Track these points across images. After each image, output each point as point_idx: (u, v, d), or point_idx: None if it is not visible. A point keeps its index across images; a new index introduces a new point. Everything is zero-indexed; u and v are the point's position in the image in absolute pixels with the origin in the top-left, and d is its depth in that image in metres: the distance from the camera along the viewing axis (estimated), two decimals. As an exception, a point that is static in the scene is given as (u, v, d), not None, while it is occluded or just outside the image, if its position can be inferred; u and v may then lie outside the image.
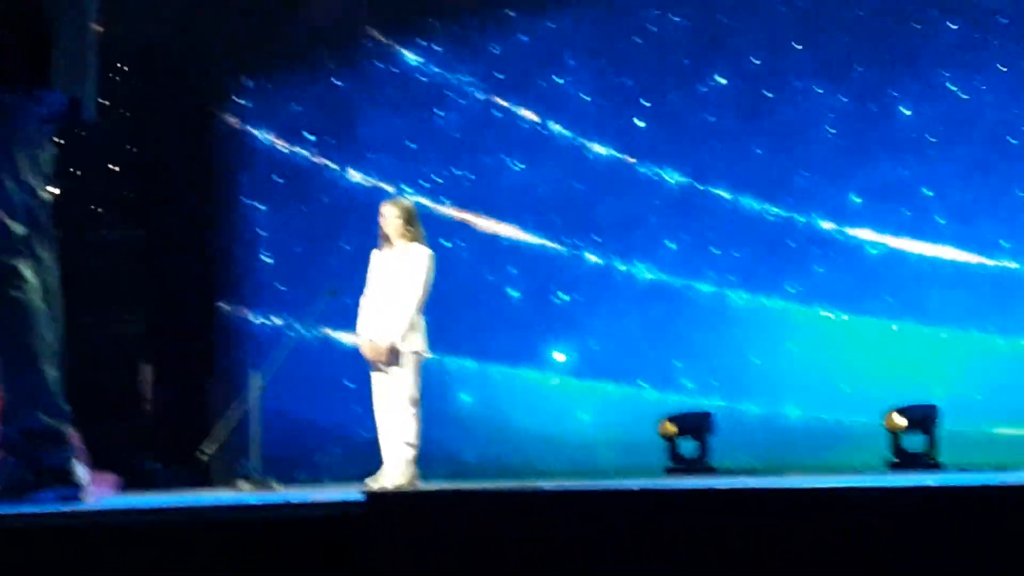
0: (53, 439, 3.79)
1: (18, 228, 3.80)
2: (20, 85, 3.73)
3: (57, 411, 3.82)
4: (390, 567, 2.37)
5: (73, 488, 3.76)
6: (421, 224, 8.67)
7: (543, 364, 12.38)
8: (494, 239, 12.67)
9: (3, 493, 3.67)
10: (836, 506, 2.25)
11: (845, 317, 10.95)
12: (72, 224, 3.76)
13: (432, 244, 8.71)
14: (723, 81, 11.66)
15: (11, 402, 3.81)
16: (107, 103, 12.44)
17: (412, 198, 12.09)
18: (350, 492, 2.82)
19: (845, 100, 11.04)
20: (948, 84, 10.66)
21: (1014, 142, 10.35)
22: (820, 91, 11.15)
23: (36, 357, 3.80)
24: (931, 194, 10.66)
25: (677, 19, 11.85)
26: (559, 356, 12.31)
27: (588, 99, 12.27)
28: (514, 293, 12.56)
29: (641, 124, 11.96)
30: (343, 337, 12.83)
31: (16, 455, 3.76)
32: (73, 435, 4.13)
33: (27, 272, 3.78)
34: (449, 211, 12.84)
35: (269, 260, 14.11)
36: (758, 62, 11.44)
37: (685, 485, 2.71)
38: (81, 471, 3.82)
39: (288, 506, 2.79)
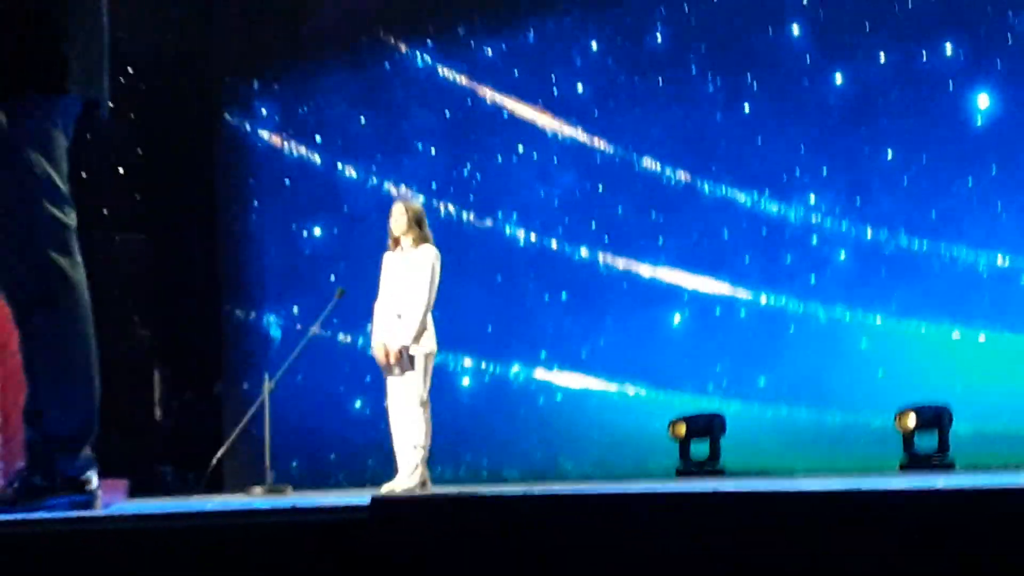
0: (72, 446, 3.77)
1: (50, 227, 3.81)
2: (36, 90, 3.72)
3: (82, 419, 3.79)
4: (395, 572, 2.35)
5: (86, 496, 3.75)
6: (428, 225, 8.67)
7: (552, 365, 12.34)
8: (501, 240, 12.64)
9: (17, 499, 3.67)
10: (847, 508, 2.22)
11: (858, 316, 10.89)
12: (79, 227, 3.77)
13: (440, 245, 8.70)
14: (718, 81, 11.61)
15: (37, 405, 3.79)
16: (113, 106, 12.41)
17: (420, 199, 12.10)
18: (359, 497, 2.80)
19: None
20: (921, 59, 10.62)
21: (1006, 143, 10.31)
22: (837, 85, 11.09)
23: (70, 362, 3.78)
24: (932, 191, 10.60)
25: (685, 19, 11.81)
26: (568, 356, 12.27)
27: (597, 99, 12.22)
28: (521, 293, 12.53)
29: (649, 123, 11.91)
30: (353, 339, 12.83)
31: (34, 460, 3.75)
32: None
33: (69, 272, 3.77)
34: (457, 211, 12.82)
35: (277, 263, 14.10)
36: (753, 56, 11.40)
37: (696, 488, 2.68)
38: (95, 479, 3.80)
39: (295, 511, 2.78)
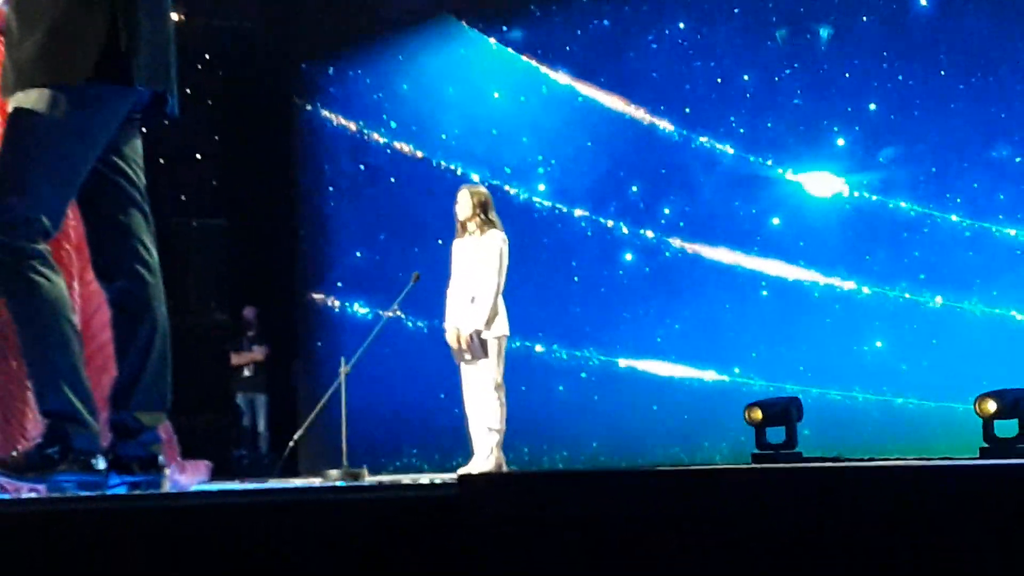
0: (80, 423, 3.80)
1: (117, 212, 3.91)
2: (102, 80, 3.79)
3: (85, 395, 3.82)
4: (482, 549, 2.38)
5: (95, 477, 3.77)
6: (495, 210, 8.66)
7: (630, 352, 12.31)
8: (574, 225, 12.63)
9: (26, 467, 3.72)
10: (923, 484, 2.22)
11: (937, 301, 10.79)
12: (158, 213, 3.86)
13: (511, 231, 8.70)
14: (796, 64, 11.51)
15: (34, 386, 3.86)
16: (190, 92, 12.58)
17: (494, 185, 12.11)
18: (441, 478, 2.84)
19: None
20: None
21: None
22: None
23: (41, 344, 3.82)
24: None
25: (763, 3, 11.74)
26: (644, 341, 12.23)
27: (671, 82, 12.17)
28: (594, 279, 12.51)
29: (725, 109, 11.85)
30: (428, 324, 12.88)
31: (50, 433, 3.78)
32: (166, 425, 4.17)
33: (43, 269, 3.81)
34: (533, 198, 12.83)
35: (353, 247, 14.19)
36: (831, 42, 11.30)
37: (772, 465, 2.70)
38: (103, 463, 3.80)
39: (382, 488, 2.81)
